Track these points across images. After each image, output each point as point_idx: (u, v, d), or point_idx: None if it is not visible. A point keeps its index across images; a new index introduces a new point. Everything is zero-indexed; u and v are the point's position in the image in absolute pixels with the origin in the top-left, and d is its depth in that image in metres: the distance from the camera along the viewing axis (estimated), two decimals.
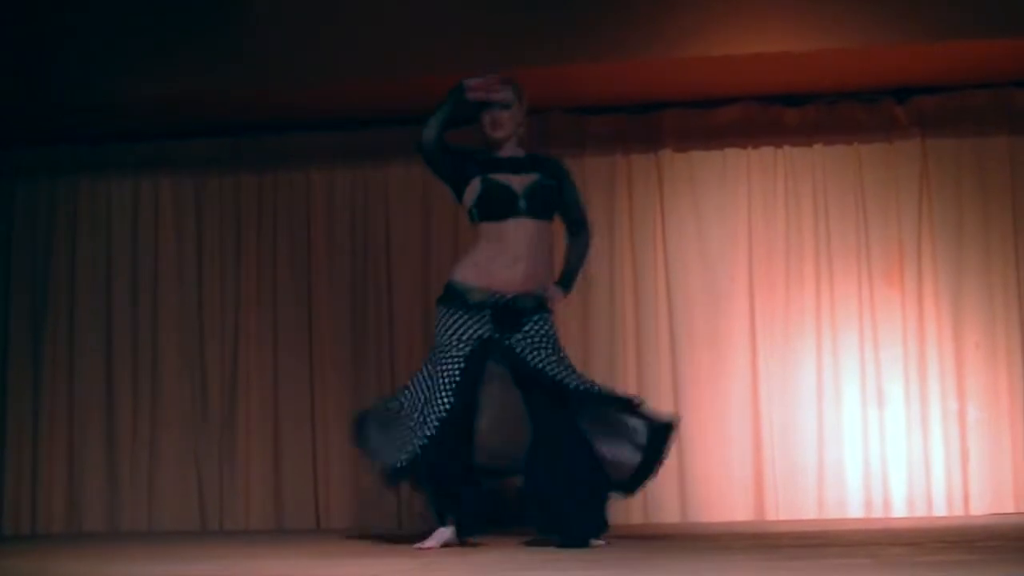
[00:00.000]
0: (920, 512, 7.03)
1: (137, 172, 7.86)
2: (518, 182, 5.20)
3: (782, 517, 7.07)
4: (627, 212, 7.46)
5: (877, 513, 7.07)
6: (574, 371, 5.20)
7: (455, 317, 5.20)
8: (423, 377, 5.27)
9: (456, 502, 5.16)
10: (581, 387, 5.14)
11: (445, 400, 5.14)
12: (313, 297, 7.66)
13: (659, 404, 7.24)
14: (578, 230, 5.37)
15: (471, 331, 5.16)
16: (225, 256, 7.79)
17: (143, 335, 7.75)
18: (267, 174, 7.79)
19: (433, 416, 5.13)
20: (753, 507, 7.17)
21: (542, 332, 5.16)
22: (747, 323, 7.31)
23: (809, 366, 7.26)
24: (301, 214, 7.75)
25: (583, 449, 5.11)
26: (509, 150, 5.30)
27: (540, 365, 5.11)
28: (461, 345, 5.16)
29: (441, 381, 5.17)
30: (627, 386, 7.28)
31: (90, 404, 7.73)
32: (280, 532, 7.35)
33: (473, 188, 5.21)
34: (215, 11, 6.95)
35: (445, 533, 5.15)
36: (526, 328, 5.14)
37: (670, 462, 7.14)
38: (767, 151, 7.44)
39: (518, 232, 5.16)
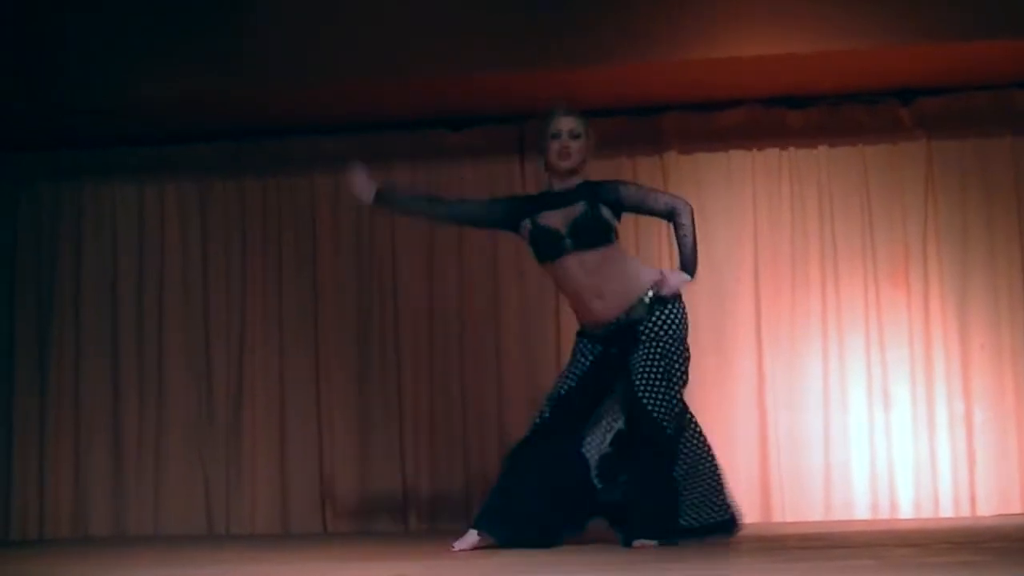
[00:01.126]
0: (927, 513, 7.03)
1: (141, 177, 7.87)
2: (563, 219, 5.15)
3: (788, 519, 7.07)
4: (632, 214, 7.45)
5: (884, 515, 7.07)
6: (675, 407, 5.17)
7: (580, 344, 5.26)
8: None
9: (506, 503, 5.13)
10: (672, 434, 5.15)
11: (546, 411, 5.22)
12: (318, 300, 7.67)
13: None
14: (671, 219, 5.29)
15: (590, 349, 5.21)
16: (230, 260, 7.80)
17: (148, 339, 7.76)
18: (271, 178, 7.80)
19: (534, 424, 5.23)
20: (759, 509, 7.16)
21: (657, 335, 5.12)
22: (753, 325, 7.31)
23: (815, 368, 7.26)
24: (305, 218, 7.76)
25: (662, 469, 5.14)
26: (566, 182, 5.23)
27: (642, 396, 5.08)
28: (578, 362, 5.23)
29: (550, 394, 5.26)
30: None
31: (96, 408, 7.74)
32: (287, 535, 7.35)
33: (526, 232, 5.21)
34: (216, 13, 6.95)
35: (472, 537, 5.13)
36: (643, 333, 5.12)
37: None
38: (772, 153, 7.44)
39: (579, 267, 5.14)
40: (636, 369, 5.10)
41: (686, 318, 5.26)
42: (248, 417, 7.63)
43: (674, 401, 5.16)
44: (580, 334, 5.31)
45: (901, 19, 6.49)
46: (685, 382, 5.24)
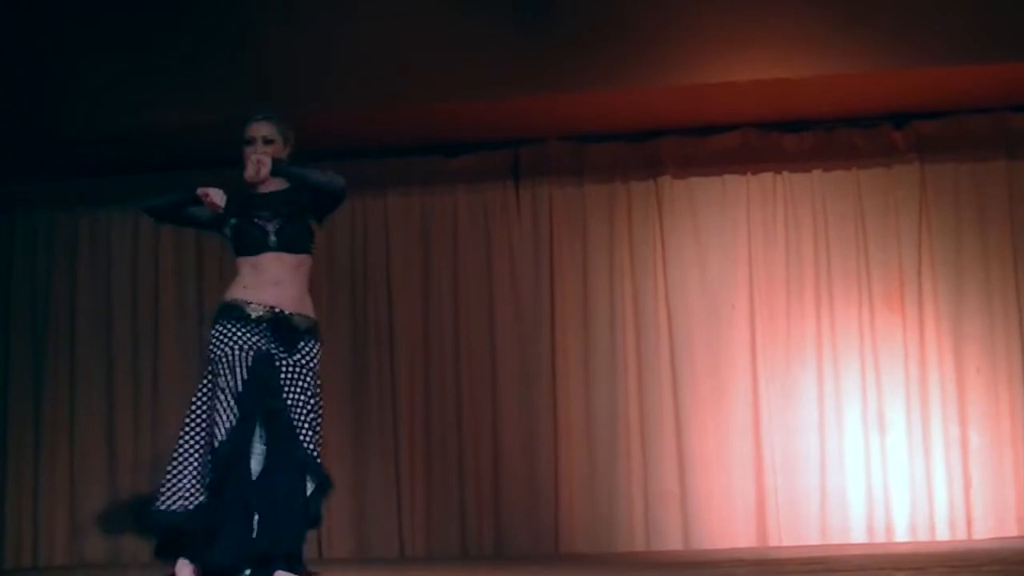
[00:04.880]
0: (923, 537, 7.02)
1: (136, 203, 7.85)
2: (270, 220, 5.16)
3: (785, 543, 7.05)
4: (627, 239, 7.47)
5: (880, 538, 7.05)
6: (313, 425, 5.10)
7: (233, 329, 5.12)
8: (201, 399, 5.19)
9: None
10: (308, 449, 5.09)
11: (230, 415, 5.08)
12: None
13: (661, 431, 7.27)
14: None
15: (251, 340, 5.07)
16: (226, 286, 7.76)
17: (144, 366, 7.74)
18: None
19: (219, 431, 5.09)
20: (756, 534, 7.15)
21: (308, 363, 5.13)
22: (748, 349, 7.30)
23: (810, 392, 7.25)
24: None
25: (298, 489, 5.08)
26: (269, 186, 5.24)
27: (290, 403, 5.02)
28: (243, 355, 5.05)
29: (224, 395, 5.08)
30: (629, 413, 7.29)
31: (91, 434, 7.71)
32: None
33: (230, 228, 5.27)
34: (215, 43, 6.97)
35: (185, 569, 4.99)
36: (299, 351, 5.10)
37: (672, 490, 7.20)
38: (766, 177, 7.45)
39: (273, 262, 5.14)
40: (289, 383, 5.03)
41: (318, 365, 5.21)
42: None
43: (318, 425, 5.11)
44: (241, 315, 5.15)
45: (894, 43, 6.51)
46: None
